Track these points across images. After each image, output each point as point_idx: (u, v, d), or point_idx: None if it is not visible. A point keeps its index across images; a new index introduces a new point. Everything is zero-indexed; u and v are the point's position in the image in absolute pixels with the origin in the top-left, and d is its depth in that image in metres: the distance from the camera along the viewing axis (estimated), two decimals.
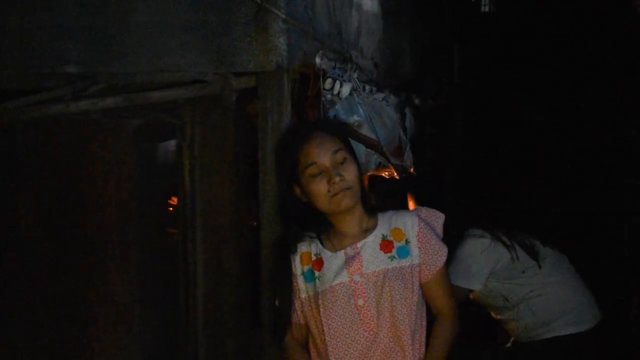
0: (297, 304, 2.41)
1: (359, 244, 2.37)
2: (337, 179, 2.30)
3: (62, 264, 2.59)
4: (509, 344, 3.44)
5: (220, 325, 2.65)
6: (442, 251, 2.41)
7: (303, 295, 2.40)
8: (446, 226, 2.70)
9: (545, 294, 3.24)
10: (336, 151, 2.34)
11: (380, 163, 2.87)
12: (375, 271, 2.35)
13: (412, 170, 3.43)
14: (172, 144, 2.70)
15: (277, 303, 2.42)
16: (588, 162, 5.56)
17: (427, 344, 2.40)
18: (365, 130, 2.87)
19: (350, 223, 2.38)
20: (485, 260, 3.22)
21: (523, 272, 3.25)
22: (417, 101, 4.20)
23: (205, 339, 2.66)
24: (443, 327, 2.42)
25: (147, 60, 2.51)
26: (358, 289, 2.34)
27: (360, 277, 2.34)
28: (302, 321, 2.43)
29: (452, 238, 3.15)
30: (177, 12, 2.49)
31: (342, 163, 2.33)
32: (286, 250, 2.41)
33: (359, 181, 2.36)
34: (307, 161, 2.33)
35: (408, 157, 3.36)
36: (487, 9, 6.15)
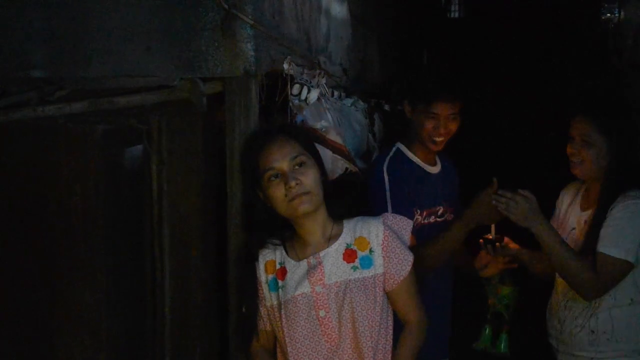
0: (263, 311, 2.39)
1: (322, 254, 2.34)
2: (293, 183, 2.27)
3: (26, 272, 2.55)
4: None
5: (188, 331, 2.64)
6: (407, 260, 2.37)
7: (268, 304, 2.38)
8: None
9: None
10: (295, 156, 2.31)
11: (347, 168, 2.87)
12: (337, 282, 2.31)
13: None
14: (139, 149, 2.68)
15: (243, 309, 2.41)
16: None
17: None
18: (333, 136, 2.88)
19: (313, 230, 2.36)
20: None
21: None
22: (386, 107, 4.22)
23: (172, 345, 2.65)
24: (409, 336, 2.39)
25: (113, 65, 2.50)
26: (319, 299, 2.31)
27: (322, 288, 2.31)
28: (268, 328, 2.41)
29: (607, 200, 2.73)
30: (143, 17, 2.48)
31: (300, 167, 2.30)
32: (250, 257, 2.40)
33: (319, 186, 2.33)
34: (265, 165, 2.31)
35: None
36: (455, 14, 6.22)
